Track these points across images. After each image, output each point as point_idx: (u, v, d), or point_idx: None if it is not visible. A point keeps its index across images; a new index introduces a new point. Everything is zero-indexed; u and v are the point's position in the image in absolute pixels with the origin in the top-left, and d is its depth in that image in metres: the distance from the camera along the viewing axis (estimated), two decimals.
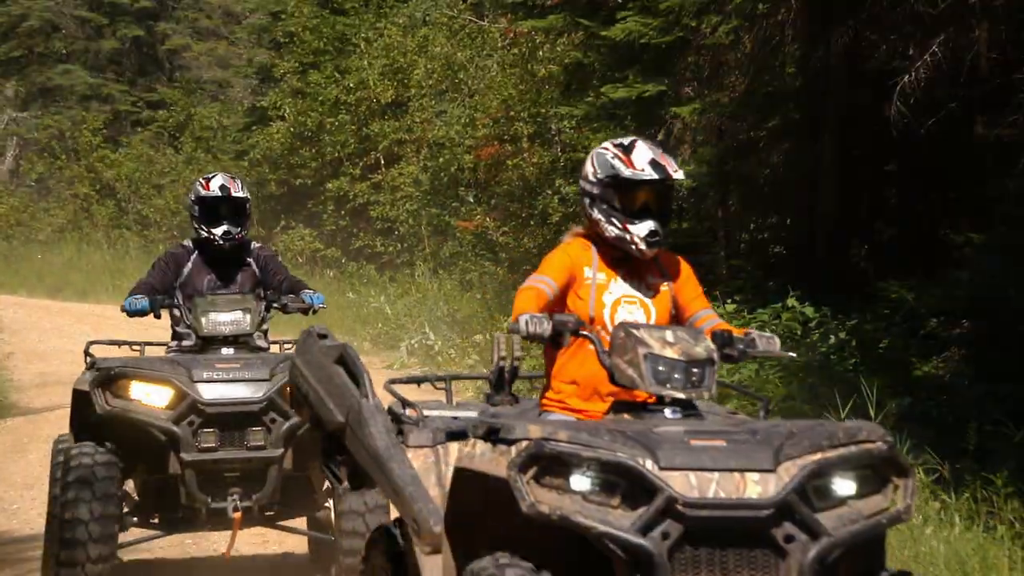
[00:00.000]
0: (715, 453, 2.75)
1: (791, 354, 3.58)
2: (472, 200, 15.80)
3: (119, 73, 28.26)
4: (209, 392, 4.92)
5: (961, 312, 7.54)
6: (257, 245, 5.56)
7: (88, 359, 5.19)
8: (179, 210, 23.12)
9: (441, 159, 16.39)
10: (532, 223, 13.91)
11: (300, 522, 5.57)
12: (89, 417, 4.99)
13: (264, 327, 5.33)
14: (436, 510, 2.98)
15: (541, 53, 13.99)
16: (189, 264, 5.43)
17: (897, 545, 5.08)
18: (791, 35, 10.05)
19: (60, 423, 9.51)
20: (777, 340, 3.35)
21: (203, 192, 5.41)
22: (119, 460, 4.92)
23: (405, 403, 3.35)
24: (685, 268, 3.46)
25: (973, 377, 7.02)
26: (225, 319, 5.18)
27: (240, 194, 5.40)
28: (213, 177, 5.52)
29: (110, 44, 28.09)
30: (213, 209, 5.37)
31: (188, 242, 5.55)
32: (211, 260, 5.42)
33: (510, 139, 14.62)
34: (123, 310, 5.27)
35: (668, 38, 10.06)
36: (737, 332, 3.36)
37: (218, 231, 5.35)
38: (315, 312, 5.32)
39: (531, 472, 2.73)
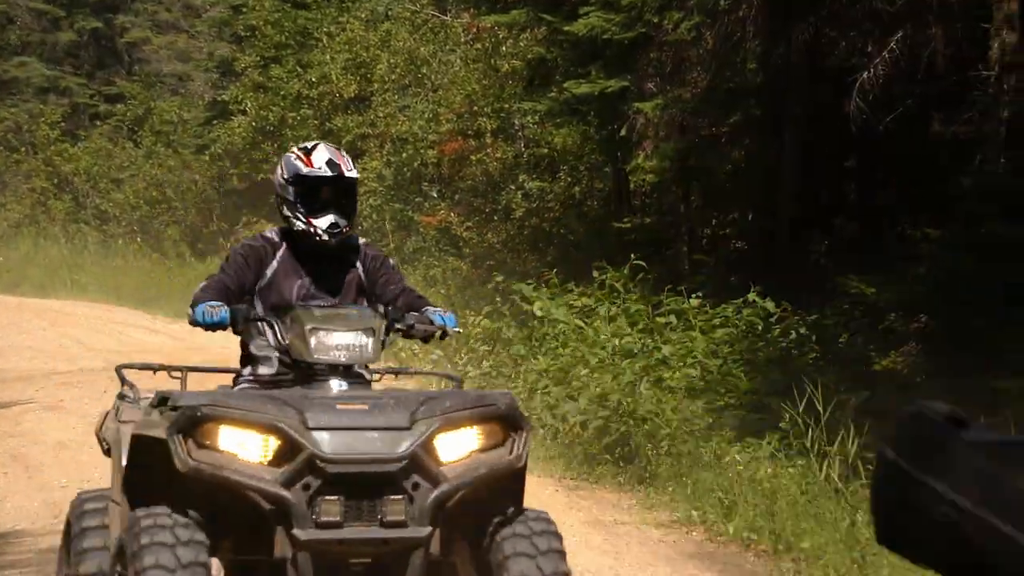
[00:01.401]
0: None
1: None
2: (436, 195, 15.79)
3: (77, 66, 27.91)
4: (331, 444, 3.44)
5: (920, 307, 7.64)
6: (363, 241, 4.10)
7: (127, 392, 3.96)
8: (139, 204, 22.89)
9: (404, 154, 16.37)
10: (496, 218, 13.93)
11: None
12: (160, 474, 3.53)
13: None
14: None
15: (504, 48, 14.00)
16: (275, 263, 3.92)
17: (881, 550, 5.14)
18: (752, 32, 10.12)
19: (16, 419, 9.40)
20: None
21: (304, 169, 3.90)
22: (204, 533, 3.48)
23: None
24: None
25: (932, 371, 7.12)
26: (341, 341, 3.67)
27: (352, 173, 3.94)
28: (314, 149, 3.97)
29: (67, 36, 27.74)
30: (315, 192, 3.88)
31: (272, 233, 4.01)
32: (305, 259, 3.92)
33: (473, 134, 14.62)
34: (193, 322, 3.78)
35: (630, 34, 10.11)
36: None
37: (322, 222, 3.86)
38: (446, 337, 3.94)
39: None
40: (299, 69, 19.14)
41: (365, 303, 3.95)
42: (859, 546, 5.22)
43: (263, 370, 3.89)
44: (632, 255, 9.49)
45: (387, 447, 3.49)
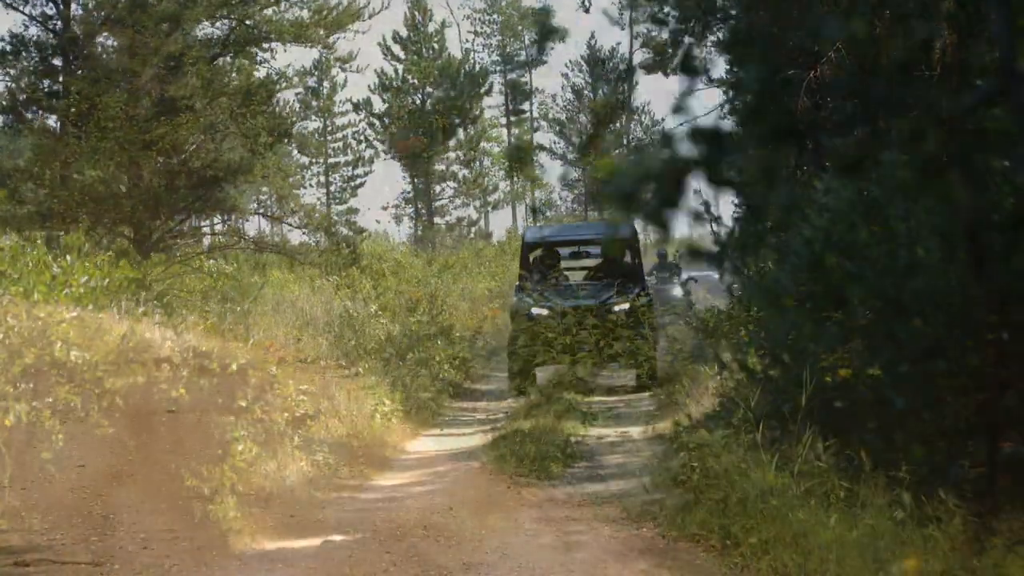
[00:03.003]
0: None
1: None
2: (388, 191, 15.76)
3: (18, 59, 27.39)
4: None
5: (863, 305, 7.75)
6: None
7: None
8: (84, 201, 22.49)
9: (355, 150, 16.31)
10: None
11: None
12: None
13: None
14: None
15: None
16: None
17: (804, 531, 5.23)
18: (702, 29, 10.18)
19: None
20: None
21: None
22: None
23: None
24: None
25: (874, 365, 7.22)
26: None
27: None
28: None
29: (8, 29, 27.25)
30: None
31: None
32: None
33: (425, 132, 14.63)
34: None
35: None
36: None
37: None
38: None
39: None
40: (246, 64, 18.97)
41: None
42: (805, 542, 5.29)
43: None
44: None
45: None
